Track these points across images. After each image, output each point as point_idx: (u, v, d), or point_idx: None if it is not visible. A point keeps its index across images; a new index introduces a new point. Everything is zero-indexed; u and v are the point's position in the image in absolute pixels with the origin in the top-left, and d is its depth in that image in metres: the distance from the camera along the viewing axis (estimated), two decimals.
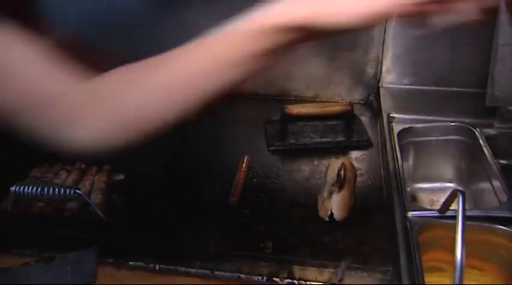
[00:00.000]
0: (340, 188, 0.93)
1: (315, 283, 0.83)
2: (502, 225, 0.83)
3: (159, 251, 0.88)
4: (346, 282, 0.83)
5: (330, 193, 0.94)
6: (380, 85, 1.34)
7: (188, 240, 0.91)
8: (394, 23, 1.24)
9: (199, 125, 1.29)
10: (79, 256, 0.85)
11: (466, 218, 0.78)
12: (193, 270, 0.85)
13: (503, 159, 1.00)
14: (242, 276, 0.85)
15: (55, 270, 0.83)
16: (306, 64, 1.39)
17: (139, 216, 0.96)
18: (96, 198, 0.97)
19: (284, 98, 1.38)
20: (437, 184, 1.16)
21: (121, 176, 1.05)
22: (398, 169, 1.02)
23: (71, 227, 0.94)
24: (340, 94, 1.39)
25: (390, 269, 0.83)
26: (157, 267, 0.85)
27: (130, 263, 0.86)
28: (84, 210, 0.94)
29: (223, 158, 1.16)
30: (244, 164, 1.09)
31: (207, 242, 0.90)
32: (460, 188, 1.08)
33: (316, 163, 1.13)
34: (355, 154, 1.16)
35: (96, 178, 1.04)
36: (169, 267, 0.85)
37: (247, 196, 1.02)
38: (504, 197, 0.89)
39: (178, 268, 0.85)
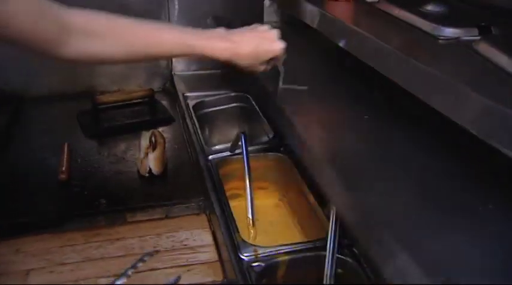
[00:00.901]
0: (154, 148, 1.16)
1: (146, 222, 1.04)
2: (271, 152, 1.16)
3: (5, 227, 0.99)
4: (171, 216, 1.05)
5: (146, 154, 1.15)
6: (173, 73, 1.60)
7: (30, 214, 1.03)
8: (176, 18, 1.52)
9: (15, 124, 1.39)
10: None
11: (248, 152, 1.09)
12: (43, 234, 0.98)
13: (266, 113, 1.34)
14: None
15: None
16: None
17: None
18: None
19: (92, 94, 1.53)
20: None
21: None
22: (197, 132, 1.28)
23: None
24: (141, 85, 1.60)
25: (202, 199, 1.08)
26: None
27: None
28: None
29: (45, 150, 1.27)
30: (66, 148, 1.23)
31: (47, 212, 1.04)
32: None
33: (129, 139, 1.33)
34: (161, 129, 1.38)
35: None
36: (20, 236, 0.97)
37: (75, 172, 1.17)
38: (271, 135, 1.22)
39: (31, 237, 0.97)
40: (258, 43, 0.83)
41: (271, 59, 0.85)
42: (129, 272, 0.87)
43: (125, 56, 0.78)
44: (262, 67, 0.86)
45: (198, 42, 0.80)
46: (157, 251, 0.92)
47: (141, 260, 0.90)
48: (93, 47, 0.74)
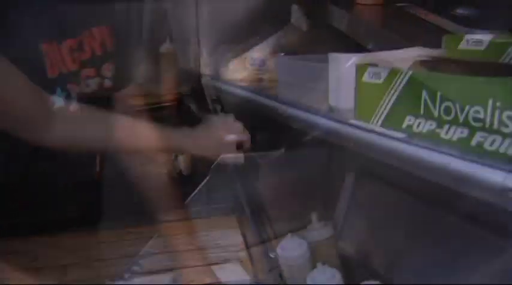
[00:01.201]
0: None
1: (177, 221, 1.06)
2: None
3: (43, 225, 1.02)
4: (202, 216, 1.07)
5: (176, 156, 1.18)
6: (202, 77, 1.63)
7: (65, 212, 1.06)
8: (205, 22, 1.55)
9: None
10: None
11: None
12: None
13: None
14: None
15: None
16: (137, 67, 1.61)
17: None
18: None
19: None
20: None
21: None
22: None
23: None
24: (169, 89, 1.63)
25: (232, 201, 1.10)
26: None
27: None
28: None
29: None
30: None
31: (81, 210, 1.07)
32: None
33: None
34: None
35: None
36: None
37: (107, 173, 1.20)
38: None
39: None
40: (218, 130, 0.92)
41: (240, 145, 0.89)
42: (126, 276, 0.91)
43: (104, 147, 0.84)
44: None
45: (174, 138, 0.90)
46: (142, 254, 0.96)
47: (136, 263, 0.94)
48: (74, 134, 0.78)
